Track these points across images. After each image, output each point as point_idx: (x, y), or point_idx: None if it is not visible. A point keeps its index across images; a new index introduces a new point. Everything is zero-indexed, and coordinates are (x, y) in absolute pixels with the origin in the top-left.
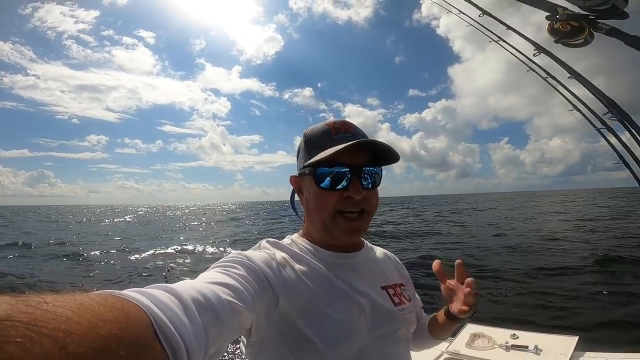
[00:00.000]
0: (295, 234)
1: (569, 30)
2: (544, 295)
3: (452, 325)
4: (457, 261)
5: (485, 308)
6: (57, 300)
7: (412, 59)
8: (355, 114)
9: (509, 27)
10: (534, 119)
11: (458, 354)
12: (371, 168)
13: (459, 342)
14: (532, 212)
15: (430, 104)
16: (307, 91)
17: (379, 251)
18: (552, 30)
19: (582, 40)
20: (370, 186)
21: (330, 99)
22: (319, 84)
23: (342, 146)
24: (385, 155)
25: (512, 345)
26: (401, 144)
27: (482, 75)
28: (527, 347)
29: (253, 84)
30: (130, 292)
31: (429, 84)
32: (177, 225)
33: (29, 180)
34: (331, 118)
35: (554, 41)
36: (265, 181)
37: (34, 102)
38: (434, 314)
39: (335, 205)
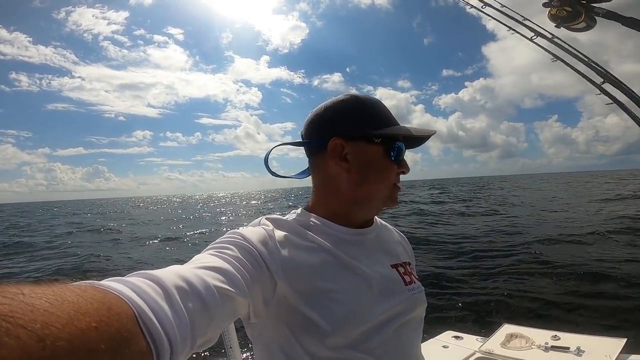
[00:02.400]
0: (300, 208)
1: (566, 15)
2: (592, 296)
3: None
4: None
5: (524, 306)
6: (35, 291)
7: (442, 39)
8: (387, 97)
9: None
10: (585, 97)
11: (492, 353)
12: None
13: (494, 342)
14: (587, 195)
15: (467, 83)
16: (336, 76)
17: (389, 227)
18: (551, 17)
19: (583, 25)
20: None
21: (360, 84)
22: (347, 69)
23: (431, 130)
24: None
25: (552, 347)
26: (437, 125)
27: (521, 53)
28: (568, 348)
29: (282, 73)
30: (111, 283)
31: (464, 64)
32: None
33: (86, 175)
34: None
35: (555, 26)
36: (300, 167)
37: (83, 103)
38: None
39: (394, 177)
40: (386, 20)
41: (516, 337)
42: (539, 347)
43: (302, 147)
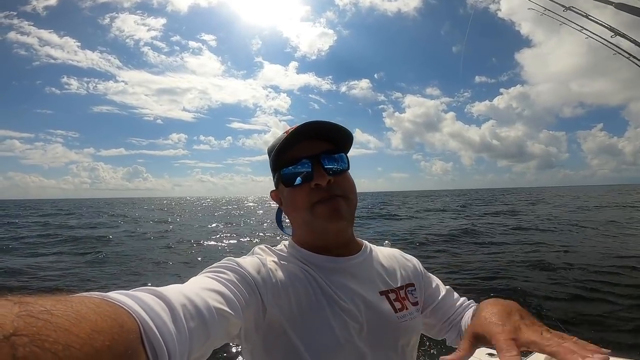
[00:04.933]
0: (289, 239)
1: None
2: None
3: None
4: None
5: (581, 326)
6: (57, 307)
7: (472, 46)
8: (415, 104)
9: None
10: (630, 104)
11: None
12: (331, 154)
13: None
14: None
15: (502, 90)
16: (364, 83)
17: (385, 252)
18: None
19: None
20: (336, 172)
21: (388, 90)
22: (375, 75)
23: (284, 137)
24: (341, 136)
25: None
26: (469, 134)
27: (558, 59)
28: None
29: (310, 79)
30: (120, 297)
31: (497, 70)
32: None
33: (126, 175)
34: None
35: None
36: None
37: (126, 106)
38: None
39: (309, 197)
40: (413, 28)
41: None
42: None
43: None
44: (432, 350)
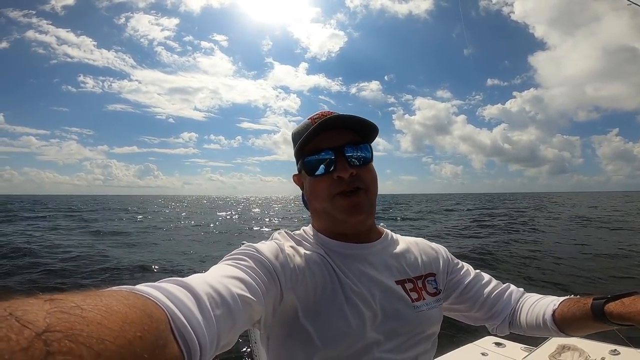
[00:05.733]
0: (309, 224)
1: None
2: None
3: (597, 328)
4: None
5: None
6: (87, 302)
7: (483, 49)
8: (426, 107)
9: None
10: None
11: None
12: (355, 145)
13: (542, 353)
14: None
15: (515, 93)
16: (374, 84)
17: (408, 241)
18: None
19: None
20: (359, 163)
21: (398, 92)
22: (385, 77)
23: (312, 127)
24: (366, 129)
25: None
26: (480, 137)
27: (573, 62)
28: None
29: (320, 80)
30: (147, 288)
31: (510, 73)
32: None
33: (138, 173)
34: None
35: None
36: None
37: (139, 105)
38: (570, 298)
39: (330, 189)
40: (424, 30)
41: (568, 349)
42: None
43: None
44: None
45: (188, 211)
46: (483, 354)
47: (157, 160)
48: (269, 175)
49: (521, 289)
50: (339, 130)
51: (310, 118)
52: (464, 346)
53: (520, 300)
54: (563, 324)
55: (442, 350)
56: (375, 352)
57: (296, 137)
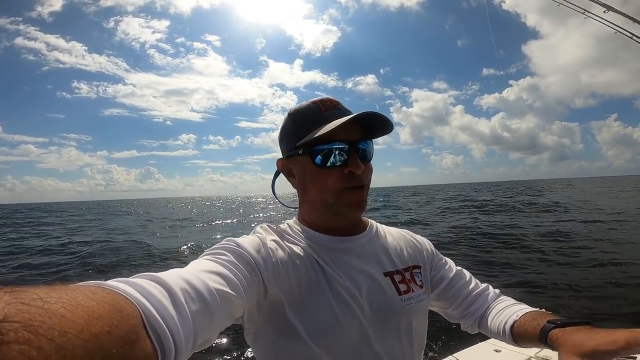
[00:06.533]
0: (294, 218)
1: None
2: None
3: (546, 348)
4: None
5: (602, 308)
6: (50, 295)
7: (476, 39)
8: (423, 98)
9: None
10: None
11: None
12: (366, 142)
13: None
14: None
15: (512, 82)
16: (370, 78)
17: (393, 232)
18: None
19: None
20: (367, 159)
21: (395, 85)
22: (381, 71)
23: (345, 119)
24: (381, 126)
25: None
26: (479, 126)
27: (566, 50)
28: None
29: (316, 76)
30: (118, 284)
31: (506, 62)
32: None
33: (139, 176)
34: (321, 96)
35: None
36: None
37: (135, 108)
38: (533, 312)
39: (339, 183)
40: (416, 23)
41: None
42: None
43: None
44: (442, 336)
45: (221, 213)
46: (496, 350)
47: (157, 163)
48: (270, 173)
49: (497, 291)
50: (353, 124)
51: (316, 102)
52: (478, 344)
53: (493, 303)
54: (518, 337)
55: (456, 348)
56: (363, 345)
57: (301, 118)
